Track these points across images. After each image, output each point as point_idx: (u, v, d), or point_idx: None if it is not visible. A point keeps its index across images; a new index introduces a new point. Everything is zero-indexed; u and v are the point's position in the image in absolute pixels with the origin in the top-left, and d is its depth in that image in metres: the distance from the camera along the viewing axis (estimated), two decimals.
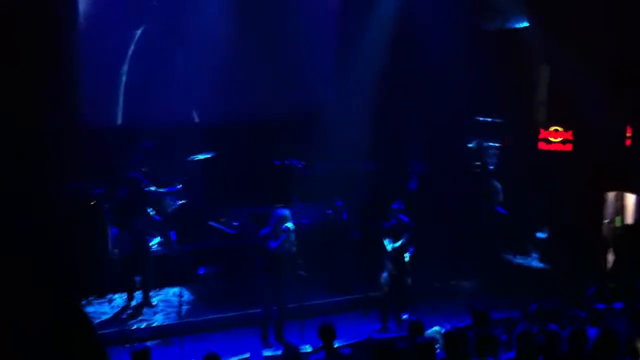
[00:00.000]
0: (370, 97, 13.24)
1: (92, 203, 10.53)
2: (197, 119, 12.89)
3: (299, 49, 13.42)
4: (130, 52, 12.13)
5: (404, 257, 10.01)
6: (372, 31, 13.32)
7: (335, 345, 7.12)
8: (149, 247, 10.30)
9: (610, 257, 11.31)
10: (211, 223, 11.57)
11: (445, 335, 7.44)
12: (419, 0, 12.59)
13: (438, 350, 7.22)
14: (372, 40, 13.34)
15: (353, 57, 13.56)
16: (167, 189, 11.41)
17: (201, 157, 11.97)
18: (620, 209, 12.29)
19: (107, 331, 9.08)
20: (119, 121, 12.19)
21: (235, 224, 11.40)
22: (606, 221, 12.23)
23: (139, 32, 12.14)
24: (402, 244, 9.94)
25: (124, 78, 12.15)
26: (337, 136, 13.11)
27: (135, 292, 10.15)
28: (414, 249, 10.01)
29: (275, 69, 13.07)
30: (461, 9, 12.52)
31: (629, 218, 12.15)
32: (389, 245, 9.96)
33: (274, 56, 13.10)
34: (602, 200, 12.15)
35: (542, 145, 12.33)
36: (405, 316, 9.89)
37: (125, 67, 12.14)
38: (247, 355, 7.93)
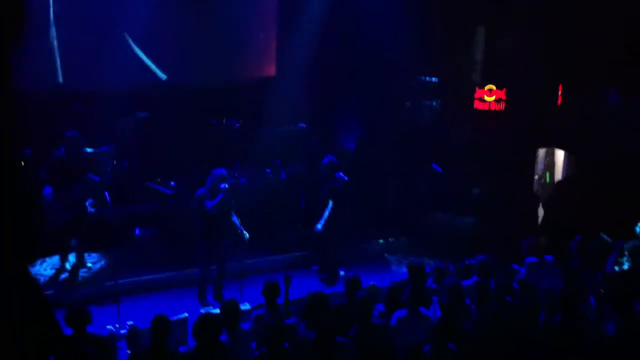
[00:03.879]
0: (308, 60, 13.20)
1: (22, 163, 10.18)
2: (134, 79, 12.58)
3: (238, 10, 13.23)
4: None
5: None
6: None
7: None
8: (87, 211, 10.08)
9: (540, 212, 11.70)
10: (148, 183, 11.40)
11: (386, 290, 7.63)
12: None
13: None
14: (309, 5, 13.26)
15: (291, 22, 13.47)
16: (101, 149, 11.13)
17: (138, 116, 11.73)
18: (549, 165, 12.70)
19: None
20: (54, 84, 11.87)
21: (172, 184, 11.27)
22: (536, 177, 12.63)
23: None
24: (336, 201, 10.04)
25: (54, 42, 11.78)
26: (276, 98, 13.08)
27: (69, 254, 9.95)
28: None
29: (215, 30, 12.88)
30: None
31: (558, 174, 12.58)
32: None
33: (214, 17, 12.89)
34: (533, 157, 12.52)
35: (477, 104, 12.55)
36: (342, 273, 10.02)
37: (52, 30, 11.74)
38: (186, 315, 7.90)
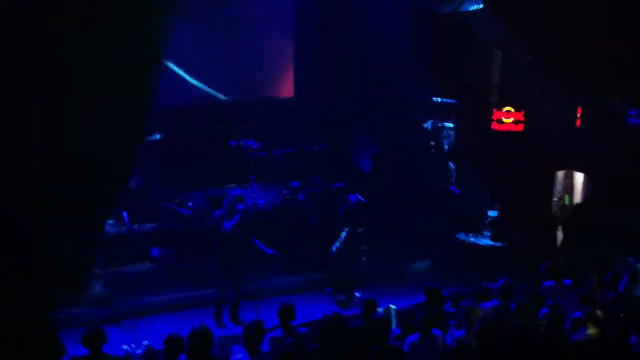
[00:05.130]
0: (326, 81, 13.27)
1: None
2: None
3: (255, 34, 13.36)
4: None
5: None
6: (327, 18, 13.30)
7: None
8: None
9: (560, 235, 11.59)
10: (166, 204, 11.45)
11: (402, 312, 7.58)
12: None
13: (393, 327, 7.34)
14: (326, 28, 13.35)
15: (309, 44, 13.57)
16: None
17: (155, 137, 11.82)
18: (569, 188, 12.59)
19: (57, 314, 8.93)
20: None
21: (190, 204, 11.31)
22: (555, 199, 12.53)
23: None
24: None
25: None
26: (293, 119, 13.14)
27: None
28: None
29: (232, 53, 12.99)
30: None
31: (577, 197, 12.47)
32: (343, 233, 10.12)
33: (231, 40, 13.02)
34: (552, 179, 12.43)
35: (495, 126, 12.51)
36: (358, 295, 9.97)
37: None
38: None
